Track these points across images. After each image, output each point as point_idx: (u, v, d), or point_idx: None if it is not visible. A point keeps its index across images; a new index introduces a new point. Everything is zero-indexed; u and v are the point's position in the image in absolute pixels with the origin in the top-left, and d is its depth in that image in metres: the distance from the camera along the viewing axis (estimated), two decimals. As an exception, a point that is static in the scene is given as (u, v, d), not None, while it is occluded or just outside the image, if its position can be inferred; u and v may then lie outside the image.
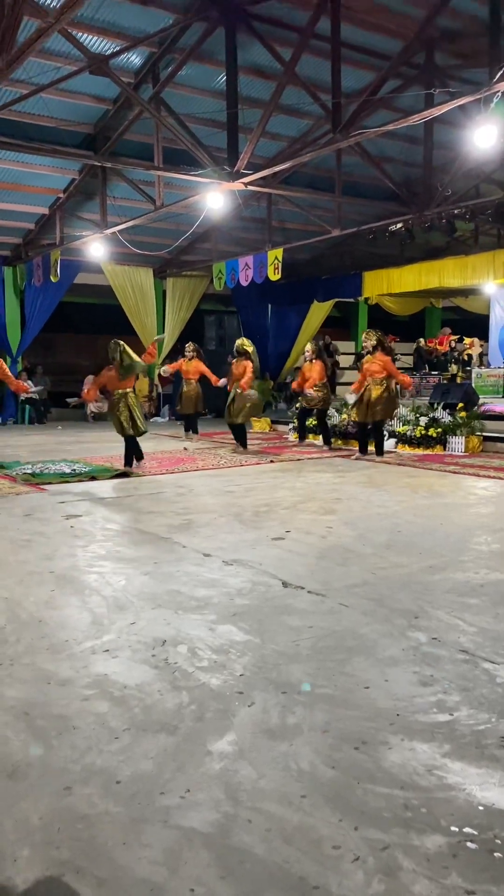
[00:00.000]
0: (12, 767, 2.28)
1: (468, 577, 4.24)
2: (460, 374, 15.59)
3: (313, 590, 3.97)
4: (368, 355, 9.50)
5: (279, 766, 2.28)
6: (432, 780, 2.21)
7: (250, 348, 10.55)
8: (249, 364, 10.36)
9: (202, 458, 9.70)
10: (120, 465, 8.61)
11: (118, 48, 9.18)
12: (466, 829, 1.98)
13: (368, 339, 9.56)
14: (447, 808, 2.07)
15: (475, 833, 1.96)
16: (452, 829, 1.98)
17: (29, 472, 8.24)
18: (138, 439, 8.63)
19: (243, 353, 10.44)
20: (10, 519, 5.85)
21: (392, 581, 4.15)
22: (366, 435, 9.81)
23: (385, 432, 10.26)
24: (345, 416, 11.30)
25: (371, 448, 9.87)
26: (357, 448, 10.05)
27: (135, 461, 8.60)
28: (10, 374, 8.72)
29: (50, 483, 7.61)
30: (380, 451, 9.77)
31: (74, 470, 8.42)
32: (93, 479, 7.92)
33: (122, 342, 8.50)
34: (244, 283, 14.38)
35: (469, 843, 1.92)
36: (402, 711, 2.62)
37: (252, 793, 2.15)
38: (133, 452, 8.60)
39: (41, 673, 2.96)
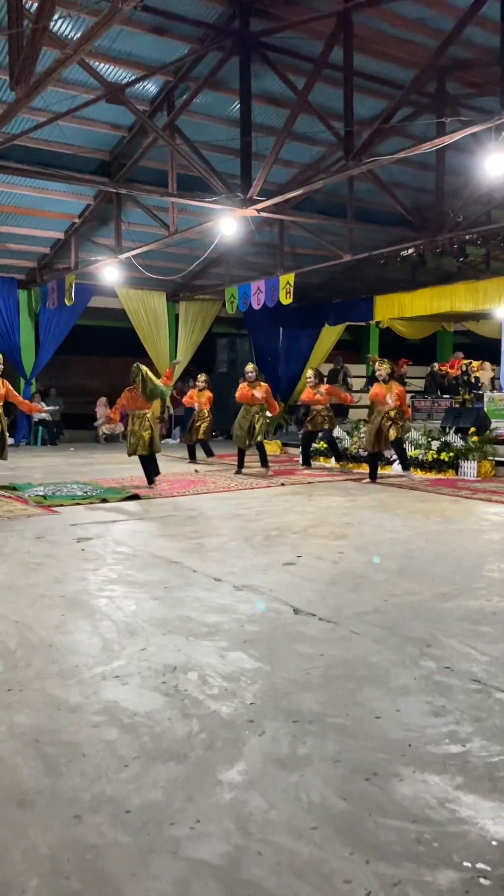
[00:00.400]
0: (21, 795, 2.27)
1: (481, 604, 4.21)
2: (469, 397, 15.59)
3: (324, 617, 3.96)
4: (383, 383, 9.55)
5: (290, 798, 2.26)
6: (444, 814, 2.18)
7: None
8: (268, 387, 10.60)
9: (213, 480, 9.71)
10: (132, 486, 8.65)
11: (134, 77, 9.36)
12: (479, 865, 1.95)
13: (384, 367, 9.66)
14: (460, 843, 2.04)
15: (488, 869, 1.93)
16: (465, 864, 1.95)
17: (41, 493, 8.27)
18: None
19: (260, 376, 10.59)
20: (21, 541, 5.87)
21: (404, 608, 4.12)
22: (377, 462, 9.85)
23: (393, 457, 10.33)
24: (355, 439, 11.30)
25: (388, 470, 10.03)
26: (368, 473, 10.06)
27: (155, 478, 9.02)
28: (20, 397, 8.87)
29: (61, 505, 7.63)
30: (405, 465, 9.91)
31: (86, 492, 8.44)
32: (104, 501, 7.94)
33: (142, 366, 8.88)
34: (256, 307, 14.48)
35: (482, 879, 1.90)
36: (413, 742, 2.60)
37: (262, 824, 2.13)
38: (153, 469, 9.00)
39: (51, 699, 2.95)
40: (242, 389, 10.50)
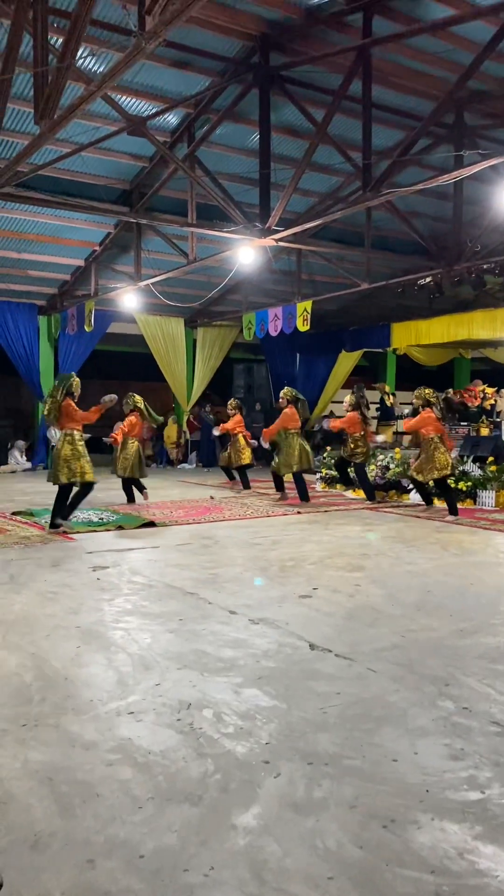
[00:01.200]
0: (35, 837, 2.25)
1: (499, 641, 4.15)
2: (487, 425, 15.49)
3: (341, 653, 3.92)
4: (433, 411, 9.18)
5: (305, 844, 2.23)
6: (463, 865, 2.14)
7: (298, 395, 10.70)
8: (286, 412, 10.43)
9: (229, 507, 9.70)
10: (147, 514, 8.65)
11: (155, 110, 9.51)
12: (500, 922, 1.91)
13: (418, 399, 9.32)
14: (479, 897, 2.00)
15: (509, 926, 1.89)
16: (485, 920, 1.91)
17: (57, 520, 8.28)
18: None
19: (293, 401, 10.46)
20: (38, 570, 5.88)
21: (422, 645, 4.08)
22: (425, 488, 9.57)
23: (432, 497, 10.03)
24: (372, 466, 11.23)
25: (406, 499, 9.90)
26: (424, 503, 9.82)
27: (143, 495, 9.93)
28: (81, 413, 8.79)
29: (78, 532, 7.65)
30: (453, 510, 9.11)
31: (102, 519, 8.46)
32: (120, 528, 7.95)
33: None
34: (273, 334, 14.55)
35: (503, 937, 1.85)
36: (431, 787, 2.56)
37: (277, 872, 2.10)
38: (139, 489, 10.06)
39: (66, 735, 2.94)
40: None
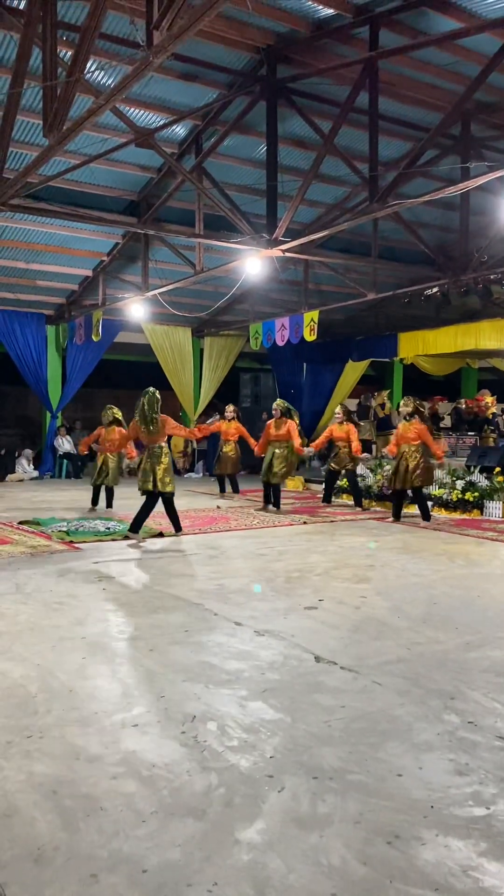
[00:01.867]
0: (38, 851, 2.25)
1: (505, 655, 4.13)
2: (490, 434, 15.53)
3: (346, 666, 3.91)
4: (405, 421, 9.48)
5: (309, 861, 2.22)
6: (468, 882, 2.12)
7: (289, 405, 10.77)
8: (293, 423, 10.47)
9: (235, 517, 9.70)
10: (154, 524, 8.65)
11: (163, 121, 9.57)
12: (504, 941, 1.89)
13: (406, 406, 9.53)
14: (484, 916, 1.99)
15: (513, 945, 1.88)
16: (489, 939, 1.90)
17: (64, 529, 8.32)
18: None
19: (286, 413, 10.53)
20: (44, 580, 5.89)
21: (428, 658, 4.06)
22: (401, 501, 9.72)
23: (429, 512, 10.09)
24: (379, 476, 11.23)
25: (412, 509, 9.93)
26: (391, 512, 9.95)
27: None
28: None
29: (84, 542, 7.66)
30: (426, 515, 9.48)
31: (109, 528, 8.47)
32: (126, 538, 7.95)
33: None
34: (280, 344, 14.57)
35: None
36: (436, 803, 2.55)
37: (281, 889, 2.09)
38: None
39: (70, 748, 2.94)
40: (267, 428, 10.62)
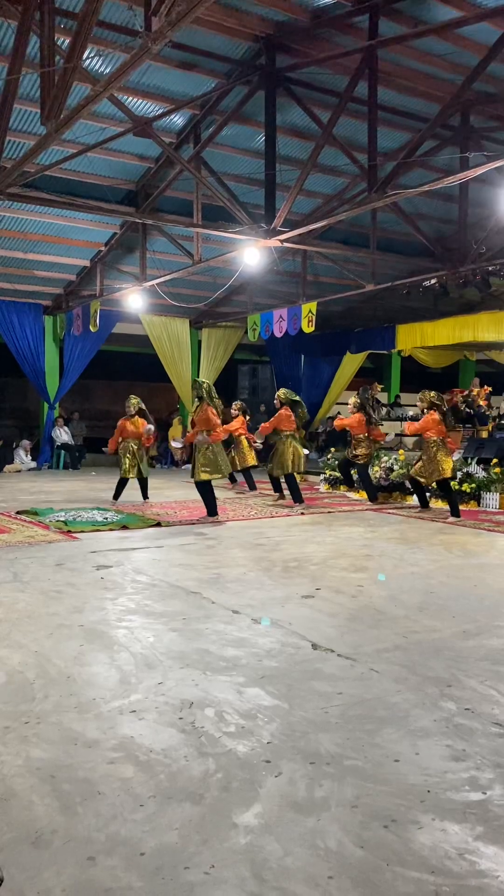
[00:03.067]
0: (36, 834, 2.25)
1: (502, 643, 4.15)
2: (477, 426, 15.61)
3: (343, 653, 3.92)
4: (421, 414, 9.30)
5: (306, 844, 2.23)
6: (464, 866, 2.13)
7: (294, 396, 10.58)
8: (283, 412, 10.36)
9: (233, 508, 9.70)
10: (152, 513, 8.67)
11: (161, 111, 9.54)
12: (500, 922, 1.90)
13: (422, 402, 9.29)
14: (480, 898, 2.00)
15: (509, 926, 1.89)
16: (485, 920, 1.91)
17: (62, 519, 8.32)
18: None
19: (286, 402, 10.41)
20: (42, 569, 5.89)
21: (424, 646, 4.08)
22: (422, 489, 9.56)
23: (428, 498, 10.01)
24: (377, 468, 11.22)
25: (410, 500, 9.90)
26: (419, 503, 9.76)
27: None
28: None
29: (82, 531, 7.66)
30: (455, 511, 9.09)
31: (107, 518, 8.48)
32: (124, 528, 7.96)
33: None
34: (278, 335, 14.56)
35: (502, 938, 1.85)
36: (433, 788, 2.56)
37: (278, 871, 2.10)
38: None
39: (68, 733, 2.94)
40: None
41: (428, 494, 9.75)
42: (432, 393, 9.38)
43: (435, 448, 9.03)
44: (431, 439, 9.07)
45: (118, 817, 2.35)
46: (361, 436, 10.44)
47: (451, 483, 9.41)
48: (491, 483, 10.27)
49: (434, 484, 9.32)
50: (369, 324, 16.78)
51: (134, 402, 10.04)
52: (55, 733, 2.94)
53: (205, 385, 8.75)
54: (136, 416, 9.97)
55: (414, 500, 10.42)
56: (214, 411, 8.59)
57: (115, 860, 2.14)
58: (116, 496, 9.94)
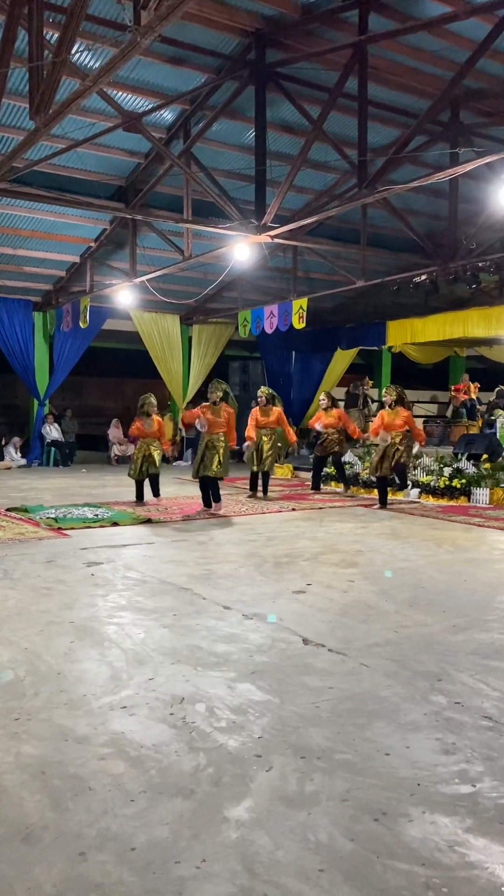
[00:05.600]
0: (27, 830, 2.25)
1: (492, 637, 4.17)
2: (466, 421, 15.72)
3: (334, 648, 3.93)
4: (389, 409, 9.57)
5: (297, 837, 2.23)
6: (454, 858, 2.15)
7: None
8: (280, 410, 10.54)
9: (224, 504, 9.67)
10: (142, 511, 8.67)
11: (151, 106, 9.49)
12: (489, 913, 1.91)
13: (389, 395, 9.65)
14: (469, 889, 2.01)
15: (498, 918, 1.90)
16: (475, 912, 1.92)
17: (52, 516, 8.29)
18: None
19: (271, 400, 10.52)
20: (32, 566, 5.87)
21: (414, 641, 4.09)
22: (385, 487, 9.78)
23: (409, 482, 10.24)
24: (367, 464, 11.26)
25: (400, 496, 10.11)
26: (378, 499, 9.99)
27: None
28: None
29: (73, 528, 7.64)
30: (403, 483, 9.92)
31: (97, 515, 8.45)
32: (115, 524, 7.95)
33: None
34: (269, 331, 14.55)
35: (492, 929, 1.86)
36: (423, 781, 2.57)
37: (269, 865, 2.10)
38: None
39: (58, 729, 2.94)
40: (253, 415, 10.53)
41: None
42: (398, 388, 9.78)
43: (409, 440, 9.63)
44: (406, 433, 9.57)
45: (109, 813, 2.35)
46: (334, 430, 10.75)
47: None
48: (481, 479, 10.31)
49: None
50: (360, 320, 16.79)
51: (150, 400, 9.81)
52: (45, 730, 2.94)
53: (225, 386, 9.18)
54: (151, 415, 9.76)
55: (409, 494, 10.48)
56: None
57: (105, 855, 2.14)
58: (140, 497, 9.67)
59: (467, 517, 8.90)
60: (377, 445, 10.06)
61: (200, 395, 18.47)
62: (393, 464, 9.52)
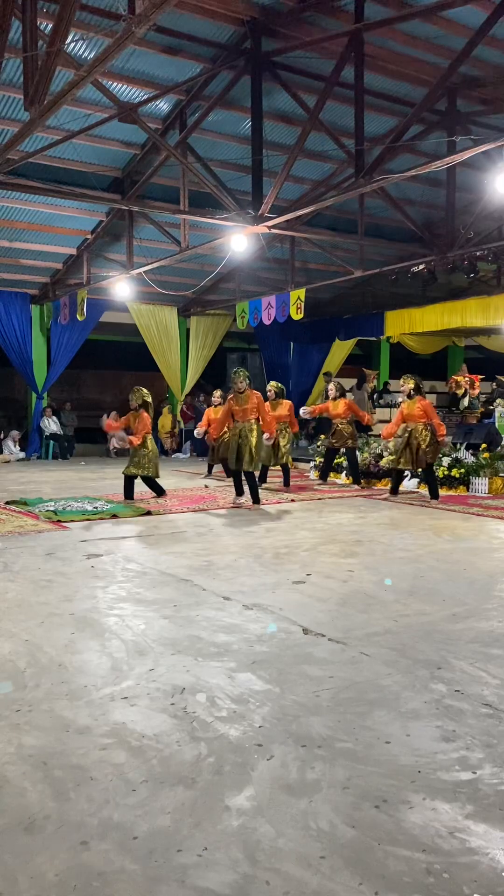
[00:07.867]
0: (29, 820, 2.26)
1: (492, 626, 4.18)
2: (465, 411, 15.71)
3: (334, 637, 3.94)
4: (408, 399, 9.33)
5: (298, 825, 2.24)
6: (454, 844, 2.16)
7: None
8: (290, 403, 10.58)
9: (223, 496, 9.70)
10: (142, 503, 8.67)
11: (147, 96, 9.44)
12: (490, 898, 1.93)
13: (407, 384, 9.30)
14: (470, 875, 2.02)
15: (499, 902, 1.91)
16: (475, 897, 1.93)
17: (51, 509, 8.29)
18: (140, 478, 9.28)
19: (280, 394, 10.53)
20: (32, 558, 5.88)
21: (414, 629, 4.10)
22: (400, 478, 9.73)
23: (407, 472, 10.19)
24: (365, 454, 11.26)
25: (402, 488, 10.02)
26: (388, 488, 9.93)
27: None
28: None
29: (72, 521, 7.64)
30: (435, 494, 9.35)
31: (96, 507, 8.46)
32: (114, 517, 7.95)
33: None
34: (267, 323, 14.52)
35: (493, 913, 1.87)
36: (423, 768, 2.58)
37: (270, 852, 2.11)
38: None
39: (60, 720, 2.95)
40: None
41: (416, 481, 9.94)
42: (416, 377, 9.46)
43: (432, 432, 9.26)
44: (429, 423, 9.23)
45: (111, 802, 2.36)
46: (345, 421, 10.55)
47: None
48: (480, 468, 10.32)
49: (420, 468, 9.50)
50: (358, 311, 16.77)
51: (140, 394, 9.19)
52: (47, 720, 2.94)
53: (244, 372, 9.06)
54: (140, 409, 9.09)
55: (406, 485, 10.46)
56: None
57: (107, 844, 2.15)
58: (158, 493, 9.36)
59: (466, 506, 8.92)
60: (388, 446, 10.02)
61: (199, 388, 18.49)
62: (421, 459, 9.15)
